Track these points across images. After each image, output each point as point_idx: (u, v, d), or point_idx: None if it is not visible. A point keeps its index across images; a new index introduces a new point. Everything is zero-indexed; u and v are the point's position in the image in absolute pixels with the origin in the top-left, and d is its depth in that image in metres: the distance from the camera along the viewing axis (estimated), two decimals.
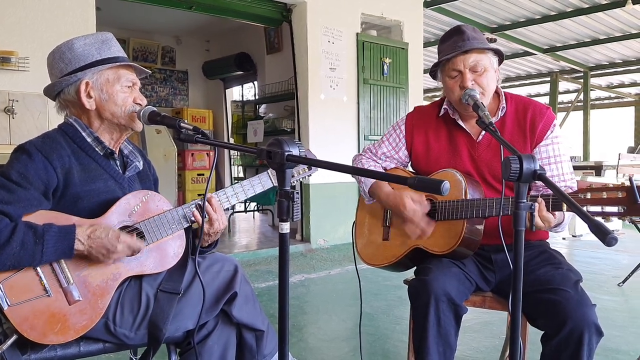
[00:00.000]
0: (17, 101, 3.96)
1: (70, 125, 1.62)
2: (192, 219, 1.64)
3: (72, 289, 1.45)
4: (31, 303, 1.40)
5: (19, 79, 3.99)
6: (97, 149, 1.62)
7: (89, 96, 1.60)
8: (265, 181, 1.75)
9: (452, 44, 1.84)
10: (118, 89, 1.61)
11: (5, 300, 1.37)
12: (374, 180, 1.97)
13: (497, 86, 1.90)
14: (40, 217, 1.45)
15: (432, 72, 1.95)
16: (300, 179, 1.86)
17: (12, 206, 1.40)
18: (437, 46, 1.93)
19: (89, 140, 1.61)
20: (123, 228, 1.54)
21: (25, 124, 4.01)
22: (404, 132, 2.05)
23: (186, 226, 1.64)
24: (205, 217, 1.64)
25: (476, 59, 1.81)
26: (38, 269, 1.42)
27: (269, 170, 1.72)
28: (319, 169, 1.86)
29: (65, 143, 1.57)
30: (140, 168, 1.75)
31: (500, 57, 1.89)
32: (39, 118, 4.06)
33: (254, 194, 1.74)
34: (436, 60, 1.89)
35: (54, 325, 1.42)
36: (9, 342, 1.39)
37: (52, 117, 4.07)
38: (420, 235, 1.84)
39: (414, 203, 1.82)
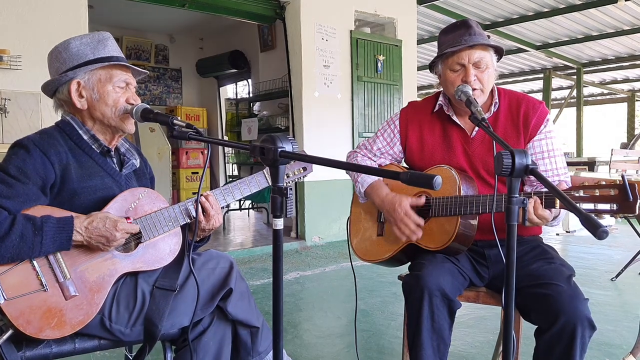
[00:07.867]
0: (9, 100, 3.94)
1: (67, 123, 1.62)
2: (192, 215, 1.63)
3: (68, 284, 1.45)
4: (28, 297, 1.41)
5: (11, 78, 3.97)
6: (93, 146, 1.63)
7: (80, 96, 1.60)
8: (260, 180, 1.74)
9: (457, 37, 1.82)
10: (110, 89, 1.61)
11: (2, 294, 1.38)
12: (370, 182, 1.97)
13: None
14: (37, 212, 1.45)
15: (432, 63, 1.94)
16: (295, 180, 1.86)
17: (11, 201, 1.40)
18: (430, 43, 1.93)
19: (85, 137, 1.62)
20: None
21: (18, 123, 3.99)
22: (398, 127, 2.05)
23: (183, 224, 1.64)
24: (200, 213, 1.64)
25: (480, 55, 1.80)
26: (35, 263, 1.42)
27: (264, 170, 1.71)
28: (313, 170, 1.87)
29: (62, 140, 1.57)
30: (137, 166, 1.75)
31: (500, 55, 1.90)
32: (32, 117, 4.04)
33: (249, 192, 1.74)
34: (432, 55, 1.89)
35: (50, 320, 1.42)
36: (5, 336, 1.39)
37: (44, 116, 4.06)
38: (409, 237, 1.84)
39: (410, 208, 1.83)
